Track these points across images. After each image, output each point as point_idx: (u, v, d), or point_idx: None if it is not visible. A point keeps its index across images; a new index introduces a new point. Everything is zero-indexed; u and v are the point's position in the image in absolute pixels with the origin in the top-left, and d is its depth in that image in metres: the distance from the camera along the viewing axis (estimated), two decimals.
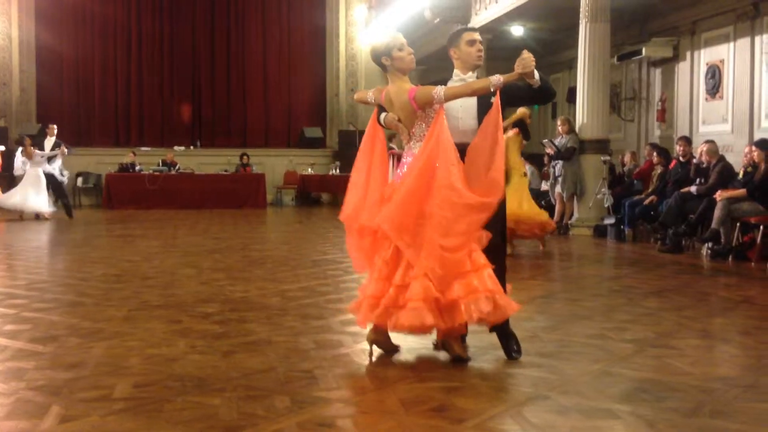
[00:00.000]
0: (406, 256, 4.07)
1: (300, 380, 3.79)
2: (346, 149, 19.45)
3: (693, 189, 9.45)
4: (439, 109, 4.14)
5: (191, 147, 19.65)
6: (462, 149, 4.16)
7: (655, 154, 11.19)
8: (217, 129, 20.27)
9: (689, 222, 9.29)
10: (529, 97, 4.38)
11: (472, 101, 4.27)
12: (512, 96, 4.31)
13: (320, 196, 19.64)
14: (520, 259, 8.71)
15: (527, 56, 4.10)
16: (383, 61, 4.28)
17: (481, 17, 14.47)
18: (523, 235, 8.93)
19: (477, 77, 4.36)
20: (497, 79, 4.06)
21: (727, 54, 11.86)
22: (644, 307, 5.89)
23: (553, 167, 11.87)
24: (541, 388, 3.70)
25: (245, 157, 18.74)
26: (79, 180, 18.52)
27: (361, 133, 20.51)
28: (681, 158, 10.38)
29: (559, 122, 11.86)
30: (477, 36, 4.38)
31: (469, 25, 14.44)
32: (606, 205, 11.19)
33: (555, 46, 15.86)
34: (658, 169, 10.91)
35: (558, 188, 11.73)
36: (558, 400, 3.52)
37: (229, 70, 20.23)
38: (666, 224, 9.60)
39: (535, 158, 13.60)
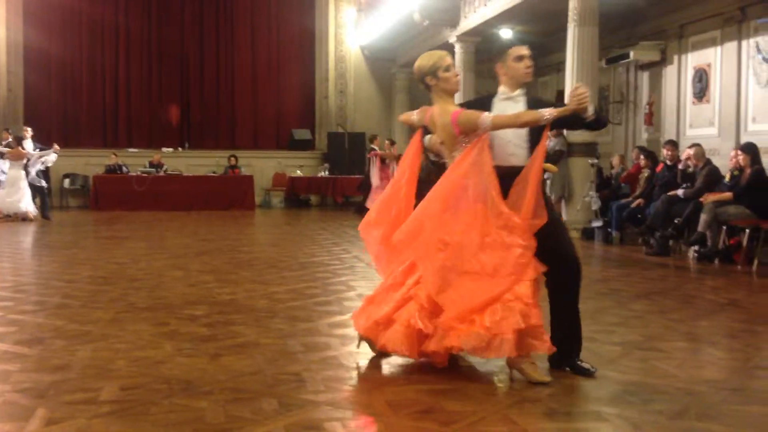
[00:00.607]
0: (420, 272, 4.01)
1: (288, 383, 3.79)
2: (335, 151, 19.47)
3: (680, 192, 9.50)
4: (482, 135, 3.94)
5: (179, 148, 19.58)
6: (509, 172, 3.96)
7: (642, 157, 11.24)
8: (206, 130, 20.19)
9: (676, 225, 9.33)
10: (581, 125, 4.15)
11: None
12: (563, 123, 4.18)
13: (309, 198, 19.60)
14: None
15: (583, 92, 3.86)
16: (428, 81, 4.13)
17: (470, 20, 14.51)
18: None
19: (524, 93, 4.12)
20: (550, 113, 3.86)
21: (714, 58, 11.92)
22: (631, 309, 5.92)
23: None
24: (528, 390, 3.71)
25: (233, 158, 18.68)
26: (67, 181, 18.42)
27: (350, 135, 20.60)
28: (668, 162, 10.43)
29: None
30: (525, 51, 4.11)
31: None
32: (594, 208, 11.22)
33: (543, 49, 15.88)
34: (646, 173, 10.95)
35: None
36: (545, 402, 3.53)
37: (218, 72, 20.17)
38: (653, 227, 9.65)
39: None
